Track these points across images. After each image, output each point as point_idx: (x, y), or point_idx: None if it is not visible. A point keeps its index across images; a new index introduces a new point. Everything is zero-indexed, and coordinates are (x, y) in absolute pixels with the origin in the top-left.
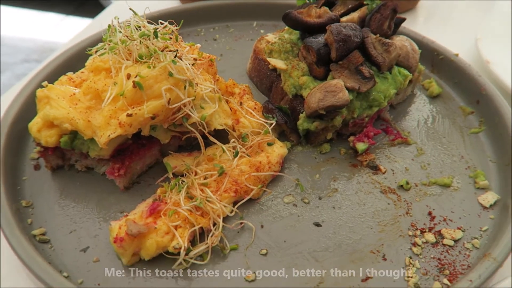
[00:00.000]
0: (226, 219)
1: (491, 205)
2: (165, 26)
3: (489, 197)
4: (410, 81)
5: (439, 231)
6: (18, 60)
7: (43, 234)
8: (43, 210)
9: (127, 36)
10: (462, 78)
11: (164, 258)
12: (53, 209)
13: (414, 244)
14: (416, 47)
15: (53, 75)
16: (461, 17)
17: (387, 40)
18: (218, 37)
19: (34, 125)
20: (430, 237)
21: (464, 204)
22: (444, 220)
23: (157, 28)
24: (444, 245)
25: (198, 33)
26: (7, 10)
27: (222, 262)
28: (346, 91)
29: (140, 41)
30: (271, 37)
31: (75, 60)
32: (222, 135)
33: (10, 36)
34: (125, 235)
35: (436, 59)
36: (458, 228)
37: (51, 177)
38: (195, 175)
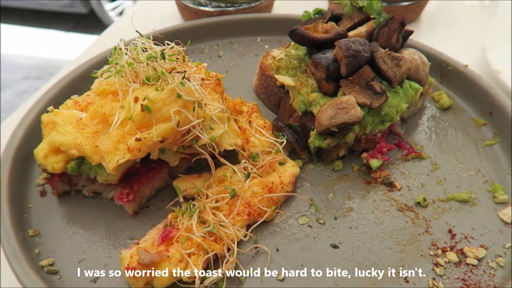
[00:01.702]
0: (240, 243)
1: None
2: (172, 47)
3: (510, 212)
4: (421, 94)
5: (461, 249)
6: (18, 78)
7: (51, 265)
8: (50, 239)
9: (133, 59)
10: (473, 89)
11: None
12: (60, 237)
13: (437, 264)
14: (425, 59)
15: (57, 98)
16: (464, 25)
17: (397, 54)
18: (222, 54)
19: (40, 151)
20: (452, 256)
21: (485, 220)
22: (465, 237)
23: (164, 50)
24: (468, 264)
25: (202, 50)
26: (6, 28)
27: None
28: (358, 107)
29: (147, 63)
30: (276, 52)
31: (79, 82)
32: (231, 155)
33: (10, 53)
34: (137, 264)
35: (445, 71)
36: (481, 246)
37: (58, 204)
38: (206, 198)
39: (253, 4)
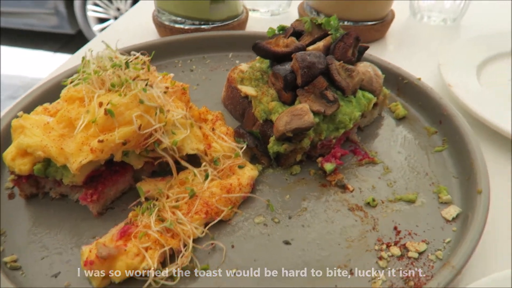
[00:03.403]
0: (197, 240)
1: (453, 218)
2: (137, 57)
3: (451, 211)
4: (376, 104)
5: (404, 244)
6: (4, 97)
7: (15, 261)
8: (15, 238)
9: (100, 67)
10: (425, 100)
11: (135, 281)
12: (26, 237)
13: (380, 258)
14: (379, 72)
15: (30, 107)
16: (427, 44)
17: (350, 66)
18: (195, 68)
19: (8, 154)
20: (395, 250)
21: (428, 218)
22: (409, 234)
23: (129, 59)
24: (409, 257)
25: (175, 65)
26: None
27: (193, 283)
28: (311, 114)
29: (113, 71)
30: (244, 66)
31: (52, 93)
32: (196, 160)
33: None
34: (95, 258)
35: (401, 84)
36: (423, 241)
37: (25, 206)
38: (167, 198)
39: (226, 23)
